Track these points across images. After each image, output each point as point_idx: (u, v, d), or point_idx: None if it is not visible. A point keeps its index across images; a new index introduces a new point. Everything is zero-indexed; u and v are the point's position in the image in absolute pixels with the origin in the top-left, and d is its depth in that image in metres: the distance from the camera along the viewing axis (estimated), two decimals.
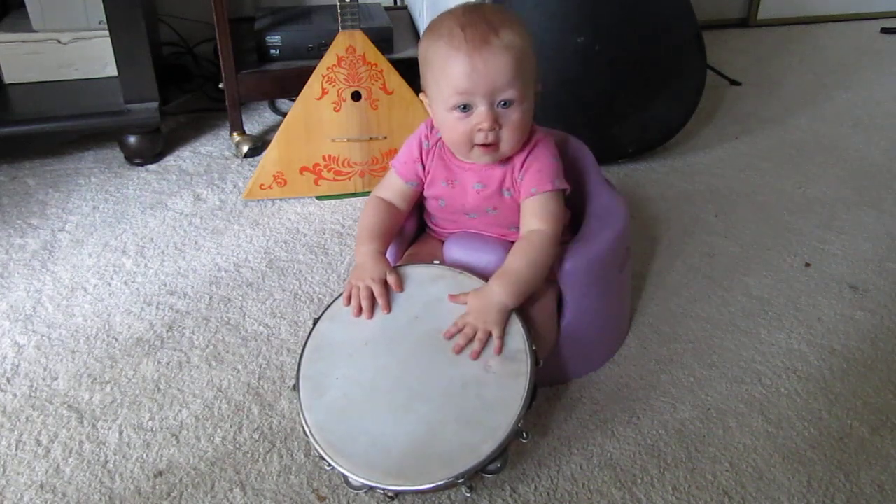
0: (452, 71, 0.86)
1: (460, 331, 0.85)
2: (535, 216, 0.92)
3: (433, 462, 0.76)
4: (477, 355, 0.83)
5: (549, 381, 1.01)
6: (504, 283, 0.87)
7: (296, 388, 0.84)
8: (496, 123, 0.87)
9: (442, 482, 0.75)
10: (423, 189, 1.00)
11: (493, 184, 0.94)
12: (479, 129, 0.88)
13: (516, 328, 0.85)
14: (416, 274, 0.92)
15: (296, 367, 0.86)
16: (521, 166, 0.93)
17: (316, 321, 0.91)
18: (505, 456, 0.78)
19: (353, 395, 0.82)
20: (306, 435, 0.81)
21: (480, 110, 0.87)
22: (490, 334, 0.84)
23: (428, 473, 0.75)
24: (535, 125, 0.95)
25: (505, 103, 0.87)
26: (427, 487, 0.76)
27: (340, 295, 0.92)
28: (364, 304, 0.88)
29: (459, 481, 0.76)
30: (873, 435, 0.95)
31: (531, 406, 0.80)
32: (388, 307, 0.88)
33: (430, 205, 1.01)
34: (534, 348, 0.83)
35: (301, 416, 0.82)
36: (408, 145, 0.99)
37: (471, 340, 0.84)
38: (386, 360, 0.85)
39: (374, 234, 0.95)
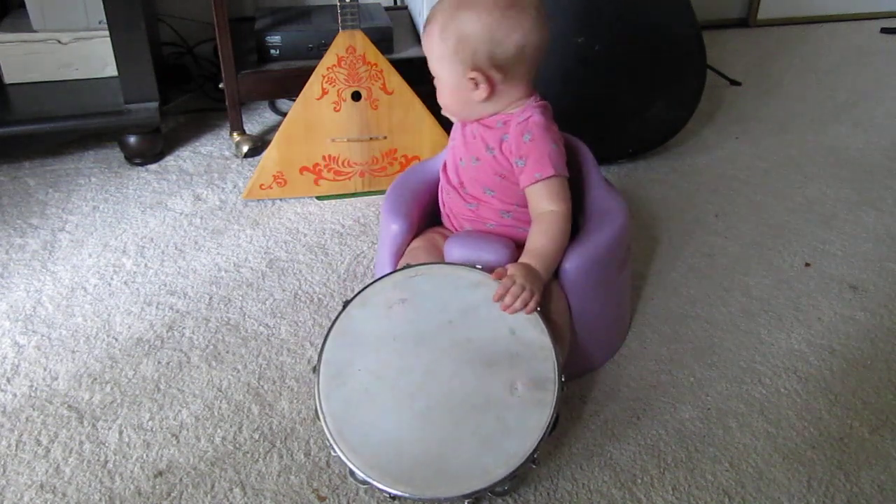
0: None
1: (507, 291, 0.87)
2: (545, 198, 0.95)
3: (443, 477, 0.75)
4: (513, 311, 0.86)
5: None
6: (536, 260, 0.91)
7: (316, 370, 0.84)
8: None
9: (446, 496, 0.75)
10: None
11: (476, 130, 1.00)
12: None
13: (548, 355, 0.83)
14: (455, 276, 0.90)
15: (320, 348, 0.85)
16: (514, 143, 0.96)
17: (346, 303, 0.89)
18: (515, 480, 0.77)
19: (373, 391, 0.81)
20: (319, 420, 0.80)
21: None
22: (532, 296, 0.87)
23: (435, 487, 0.75)
24: (536, 104, 0.97)
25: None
26: (430, 497, 0.75)
27: (374, 281, 0.91)
28: None
29: (466, 502, 0.76)
30: (873, 435, 0.95)
31: (550, 434, 0.79)
32: None
33: (448, 151, 1.06)
34: (563, 379, 0.81)
35: (317, 402, 0.81)
36: None
37: (514, 298, 0.87)
38: (412, 360, 0.83)
39: None
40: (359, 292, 0.90)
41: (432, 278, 0.90)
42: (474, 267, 0.91)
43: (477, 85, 0.94)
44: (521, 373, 0.81)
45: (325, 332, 0.87)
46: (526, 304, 0.86)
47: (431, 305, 0.87)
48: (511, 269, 0.89)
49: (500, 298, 0.87)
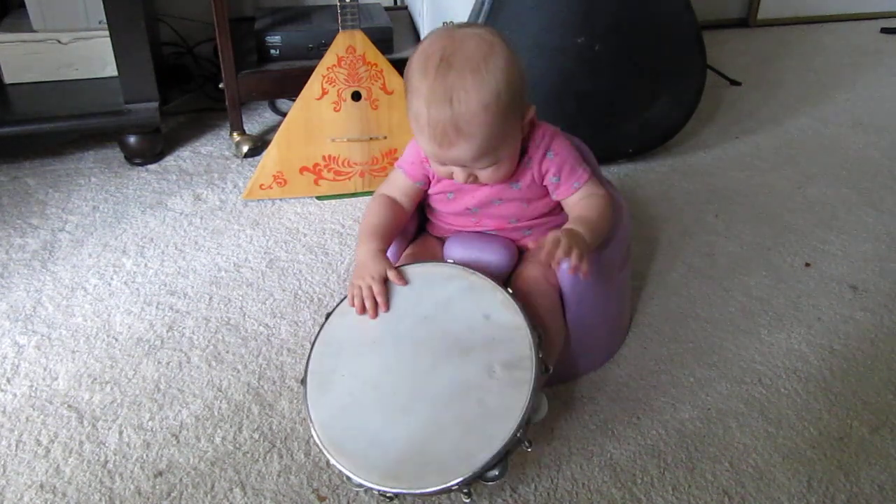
0: (422, 144, 0.89)
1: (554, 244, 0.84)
2: (586, 193, 0.96)
3: (429, 467, 0.75)
4: (558, 260, 0.84)
5: (550, 381, 1.00)
6: (581, 226, 0.90)
7: (303, 381, 0.85)
8: (472, 176, 0.91)
9: (437, 488, 0.75)
10: (429, 187, 1.00)
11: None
12: (457, 179, 0.92)
13: (523, 334, 0.83)
14: (428, 273, 0.91)
15: (305, 360, 0.86)
16: (541, 164, 0.94)
17: (329, 315, 0.90)
18: (505, 464, 0.77)
19: (356, 394, 0.82)
20: (311, 430, 0.81)
21: (455, 169, 0.90)
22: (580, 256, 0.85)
23: (423, 478, 0.75)
24: (541, 123, 0.96)
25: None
26: (422, 492, 0.75)
27: None
28: (367, 303, 0.88)
29: (455, 488, 0.75)
30: (873, 435, 0.95)
31: (544, 418, 0.79)
32: (387, 306, 0.88)
33: (437, 199, 1.01)
34: (540, 356, 0.82)
35: (306, 411, 0.82)
36: (414, 146, 0.98)
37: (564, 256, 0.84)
38: (391, 359, 0.84)
39: (375, 232, 0.95)
40: (339, 303, 0.92)
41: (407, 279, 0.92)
42: (447, 261, 0.92)
43: (523, 127, 0.91)
44: (499, 355, 0.82)
45: (311, 345, 0.88)
46: (580, 258, 0.84)
47: (407, 304, 0.89)
48: (555, 232, 0.86)
49: (550, 252, 0.84)
